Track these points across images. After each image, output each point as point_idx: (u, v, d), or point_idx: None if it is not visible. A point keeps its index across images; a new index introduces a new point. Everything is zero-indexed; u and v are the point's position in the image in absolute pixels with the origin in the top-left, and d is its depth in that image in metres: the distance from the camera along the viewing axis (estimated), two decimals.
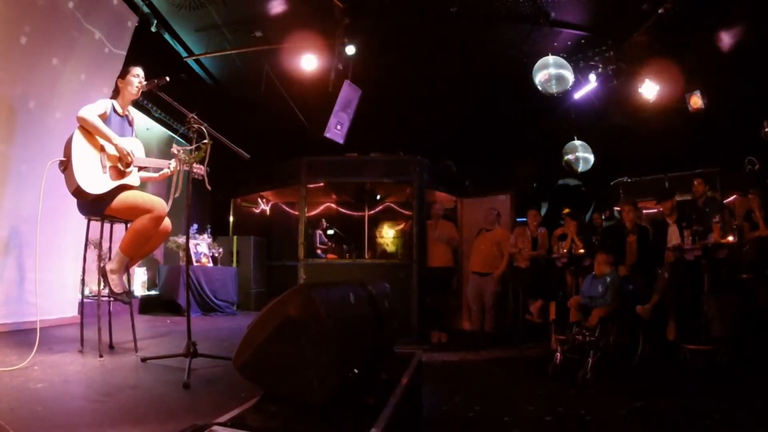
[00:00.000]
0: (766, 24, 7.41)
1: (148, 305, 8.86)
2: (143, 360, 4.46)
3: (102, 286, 4.73)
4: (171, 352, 4.38)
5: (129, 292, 4.90)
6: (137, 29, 7.61)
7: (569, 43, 9.59)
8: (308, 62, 9.62)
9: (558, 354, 6.63)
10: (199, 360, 4.11)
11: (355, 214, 13.88)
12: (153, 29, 8.33)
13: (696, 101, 9.42)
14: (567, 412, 5.10)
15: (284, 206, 13.43)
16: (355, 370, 2.68)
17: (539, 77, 9.21)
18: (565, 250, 8.30)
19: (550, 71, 9.06)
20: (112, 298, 4.75)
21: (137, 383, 3.80)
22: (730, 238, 6.70)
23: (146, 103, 8.87)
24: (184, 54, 9.71)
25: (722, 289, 6.79)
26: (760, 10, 7.18)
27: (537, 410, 5.13)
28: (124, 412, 3.14)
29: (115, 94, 5.00)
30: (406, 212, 12.49)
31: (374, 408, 2.53)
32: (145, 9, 7.97)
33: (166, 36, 8.99)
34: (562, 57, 9.23)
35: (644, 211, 9.99)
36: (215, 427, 2.16)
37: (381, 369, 3.49)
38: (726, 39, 8.24)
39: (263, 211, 13.40)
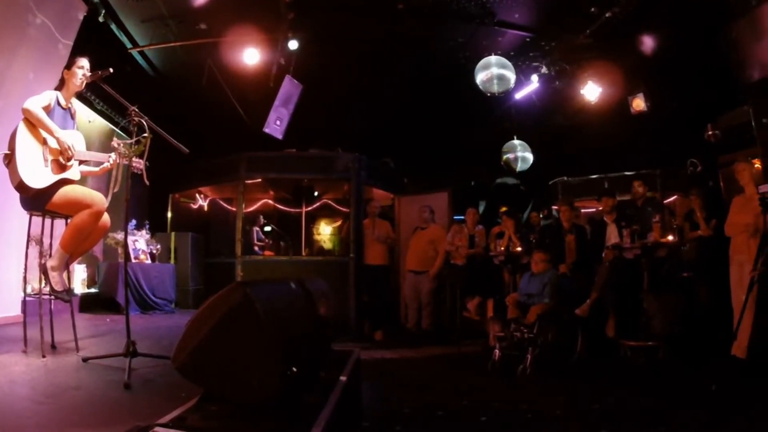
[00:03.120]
0: (709, 28, 7.56)
1: (88, 303, 8.61)
2: (84, 360, 4.38)
3: (43, 284, 4.64)
4: (111, 352, 4.34)
5: (69, 290, 4.81)
6: (83, 19, 7.38)
7: (513, 43, 9.64)
8: (251, 56, 9.47)
9: (496, 351, 6.66)
10: (139, 359, 4.06)
11: (292, 210, 13.72)
12: (100, 19, 8.06)
13: (639, 104, 9.59)
14: (507, 408, 5.14)
15: (222, 202, 13.20)
16: (294, 369, 2.65)
17: (481, 77, 9.25)
18: (502, 248, 8.33)
19: (492, 71, 9.11)
20: (53, 296, 4.64)
21: (79, 384, 3.74)
22: (670, 238, 6.84)
23: (89, 95, 8.56)
24: (129, 45, 9.45)
25: (662, 288, 6.94)
26: (703, 15, 7.34)
27: (477, 406, 5.14)
28: (68, 413, 3.12)
29: (60, 85, 4.83)
30: (344, 209, 12.40)
31: (314, 407, 2.53)
32: None
33: (113, 26, 8.73)
34: (505, 57, 9.27)
35: (582, 211, 10.16)
36: (157, 428, 2.17)
37: (320, 367, 3.48)
38: (669, 43, 8.39)
39: (201, 207, 13.13)
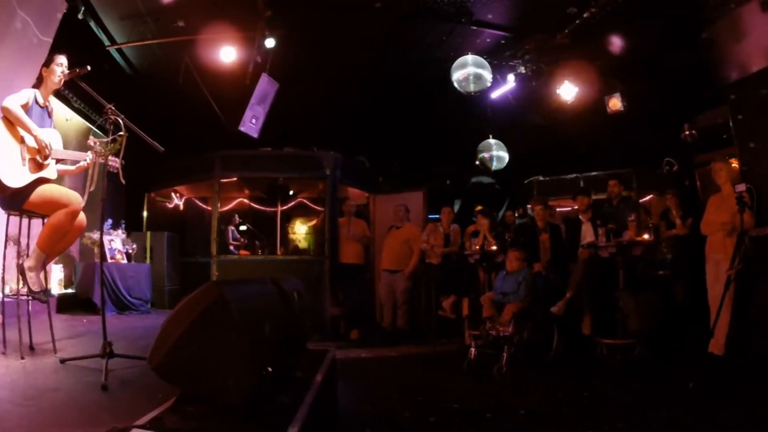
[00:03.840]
0: (688, 29, 7.63)
1: (65, 304, 8.42)
2: (62, 362, 4.30)
3: (21, 285, 4.62)
4: (88, 353, 4.28)
5: (47, 291, 4.75)
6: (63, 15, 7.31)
7: (489, 42, 9.67)
8: (227, 54, 9.40)
9: (472, 349, 6.67)
10: (116, 360, 4.01)
11: (267, 209, 13.64)
12: (80, 16, 7.93)
13: (615, 103, 9.68)
14: (483, 407, 5.14)
15: (198, 201, 13.07)
16: (270, 369, 2.68)
17: (457, 76, 9.26)
18: (477, 247, 8.33)
19: (469, 70, 9.12)
20: (30, 297, 4.57)
21: (58, 386, 3.68)
22: (646, 236, 6.87)
23: (67, 92, 8.42)
24: (107, 42, 9.33)
25: (638, 286, 6.97)
26: (682, 16, 7.40)
27: (453, 405, 5.14)
28: (48, 415, 3.07)
29: (38, 83, 4.78)
30: (319, 208, 12.34)
31: (290, 407, 2.55)
32: None
33: (92, 24, 8.61)
34: (482, 56, 9.29)
35: (558, 210, 10.21)
36: (135, 430, 2.21)
37: (295, 367, 3.52)
38: (646, 43, 8.45)
39: (177, 206, 12.98)
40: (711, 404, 4.81)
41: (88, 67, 4.53)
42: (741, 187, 5.46)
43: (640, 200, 9.75)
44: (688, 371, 5.48)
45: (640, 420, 4.59)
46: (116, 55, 9.98)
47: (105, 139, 4.46)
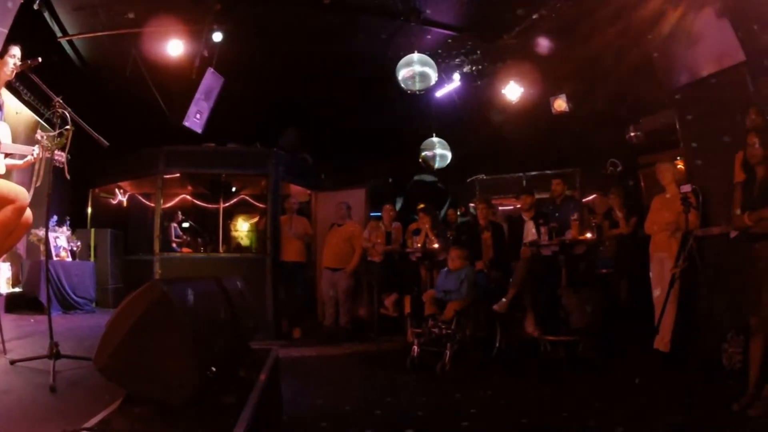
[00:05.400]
0: (636, 33, 7.78)
1: (13, 303, 8.19)
2: (12, 363, 4.24)
3: None
4: (37, 353, 4.25)
5: None
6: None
7: (436, 40, 9.70)
8: (175, 47, 9.22)
9: (415, 347, 6.70)
10: (63, 361, 3.99)
11: (210, 206, 13.43)
12: (35, 6, 7.71)
13: (560, 104, 9.81)
14: (427, 403, 5.16)
15: (141, 197, 12.81)
16: (213, 369, 2.68)
17: (402, 74, 9.25)
18: (419, 245, 8.37)
19: (414, 68, 9.11)
20: None
21: (8, 387, 3.66)
22: (588, 235, 6.98)
23: (18, 85, 8.13)
24: (59, 33, 9.10)
25: (581, 284, 7.08)
26: (630, 20, 7.54)
27: (397, 402, 5.16)
28: None
29: None
30: (261, 205, 12.21)
31: (235, 407, 2.55)
32: None
33: (46, 14, 8.40)
34: (429, 55, 9.32)
35: (500, 208, 10.34)
36: None
37: (239, 366, 3.47)
38: (594, 45, 8.58)
39: (120, 203, 12.68)
40: (659, 399, 4.92)
41: (39, 59, 4.45)
42: (686, 188, 5.58)
43: (584, 200, 9.92)
44: (633, 367, 5.59)
45: (583, 414, 4.67)
46: (67, 47, 9.74)
47: (52, 133, 4.39)
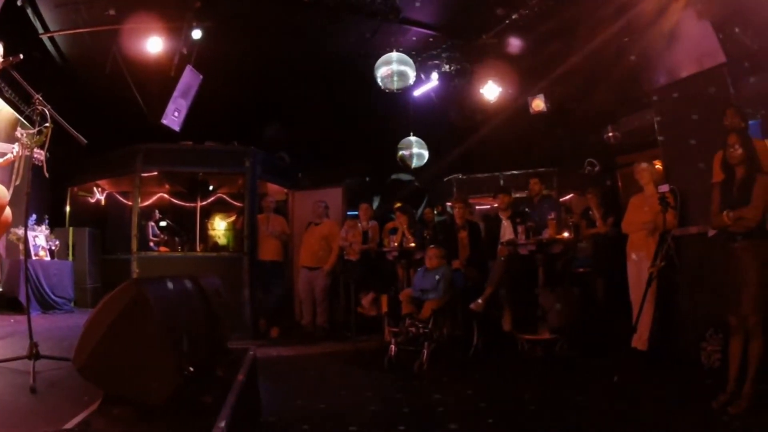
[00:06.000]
0: (616, 34, 7.84)
1: None
2: None
3: None
4: (17, 354, 4.18)
5: None
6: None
7: (415, 40, 9.73)
8: (154, 45, 9.16)
9: (392, 346, 6.70)
10: (43, 362, 3.94)
11: (187, 205, 13.32)
12: (18, 2, 7.71)
13: (538, 104, 9.85)
14: (404, 401, 5.17)
15: (118, 196, 12.67)
16: (191, 369, 2.67)
17: (381, 73, 9.27)
18: (395, 244, 8.39)
19: (393, 67, 9.14)
20: None
21: None
22: (566, 234, 7.04)
23: None
24: (41, 30, 9.03)
25: (558, 282, 7.14)
26: (610, 21, 7.59)
27: (374, 400, 5.15)
28: None
29: None
30: (238, 204, 12.15)
31: (213, 407, 2.57)
32: None
33: (28, 10, 8.33)
34: (407, 54, 9.35)
35: (477, 207, 10.37)
36: None
37: (216, 366, 3.49)
38: (573, 46, 8.62)
39: (98, 201, 12.53)
40: (637, 397, 4.96)
41: (21, 56, 4.38)
42: (664, 188, 5.64)
43: (561, 199, 9.96)
44: (611, 366, 5.62)
45: (563, 413, 4.70)
46: (48, 44, 9.66)
47: (31, 131, 4.34)
